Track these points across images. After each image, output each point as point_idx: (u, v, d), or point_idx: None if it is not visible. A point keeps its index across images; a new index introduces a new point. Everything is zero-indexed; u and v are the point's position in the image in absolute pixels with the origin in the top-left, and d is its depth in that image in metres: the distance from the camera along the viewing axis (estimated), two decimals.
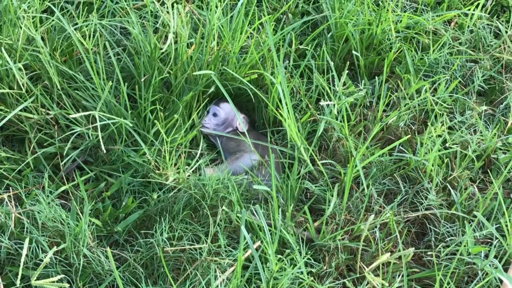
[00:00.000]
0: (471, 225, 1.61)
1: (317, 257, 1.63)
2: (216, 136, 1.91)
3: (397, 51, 2.08)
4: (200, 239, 1.59)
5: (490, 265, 1.54)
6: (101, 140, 1.57)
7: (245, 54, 1.97)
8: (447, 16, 2.19)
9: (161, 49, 1.78)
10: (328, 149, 1.88)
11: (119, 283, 1.27)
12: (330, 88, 1.94)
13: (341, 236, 1.64)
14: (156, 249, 1.56)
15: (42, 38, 1.86)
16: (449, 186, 1.76)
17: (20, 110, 1.75)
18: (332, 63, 1.90)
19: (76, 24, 1.90)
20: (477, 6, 2.21)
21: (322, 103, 1.81)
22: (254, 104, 1.97)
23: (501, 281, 1.54)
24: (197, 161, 1.78)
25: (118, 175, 1.75)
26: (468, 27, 2.20)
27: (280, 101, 1.80)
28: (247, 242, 1.39)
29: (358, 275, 1.60)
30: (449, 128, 1.96)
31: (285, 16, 2.18)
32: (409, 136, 1.78)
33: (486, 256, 1.58)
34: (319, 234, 1.64)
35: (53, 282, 1.29)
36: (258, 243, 1.53)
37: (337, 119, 1.85)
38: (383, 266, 1.60)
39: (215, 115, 1.91)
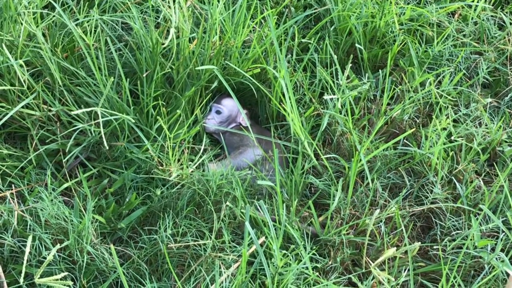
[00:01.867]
0: (477, 219, 1.60)
1: (322, 252, 1.62)
2: (219, 132, 1.90)
3: (400, 43, 2.07)
4: (204, 235, 1.59)
5: (496, 258, 1.53)
6: (103, 136, 1.56)
7: (248, 48, 1.96)
8: (451, 8, 2.17)
9: (163, 44, 1.77)
10: (332, 143, 1.87)
11: (123, 280, 1.26)
12: (333, 81, 1.92)
13: (346, 230, 1.63)
14: (160, 246, 1.55)
15: (43, 34, 1.85)
16: (454, 180, 1.75)
17: (22, 107, 1.74)
18: (335, 57, 1.89)
19: (77, 19, 1.89)
20: None
21: (326, 97, 1.80)
22: (257, 98, 1.96)
23: (508, 275, 1.53)
24: (200, 156, 1.77)
25: (121, 171, 1.74)
26: (472, 18, 2.19)
27: (283, 95, 1.79)
28: (251, 238, 1.38)
29: (364, 270, 1.59)
30: (454, 121, 1.95)
31: (287, 9, 2.17)
32: (413, 129, 1.77)
33: (493, 249, 1.57)
34: (324, 229, 1.63)
35: (57, 279, 1.28)
36: (263, 238, 1.52)
37: (341, 113, 1.84)
38: (388, 261, 1.60)
39: (218, 112, 1.90)
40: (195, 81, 1.83)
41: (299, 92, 1.95)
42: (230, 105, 1.91)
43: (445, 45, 2.06)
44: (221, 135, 1.90)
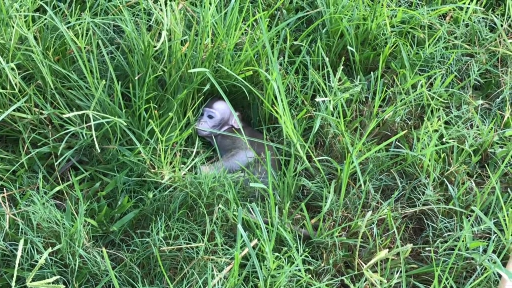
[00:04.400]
0: (469, 220, 1.61)
1: (314, 254, 1.62)
2: (212, 135, 1.90)
3: (392, 46, 2.07)
4: (196, 237, 1.58)
5: (488, 260, 1.54)
6: (95, 139, 1.55)
7: (240, 51, 1.96)
8: (442, 10, 2.18)
9: (155, 47, 1.77)
10: (324, 146, 1.88)
11: (115, 283, 1.26)
12: (325, 84, 1.93)
13: (339, 232, 1.63)
14: (152, 249, 1.55)
15: (35, 37, 1.85)
16: (446, 181, 1.75)
17: (13, 110, 1.74)
18: (327, 59, 1.89)
19: (69, 22, 1.88)
20: (472, 0, 2.20)
21: (318, 99, 1.80)
22: (249, 101, 1.96)
23: (500, 276, 1.53)
24: (192, 159, 1.77)
25: (113, 174, 1.74)
26: (463, 21, 2.19)
27: (276, 97, 1.79)
28: (244, 240, 1.38)
29: (356, 272, 1.59)
30: (446, 122, 1.95)
31: (279, 12, 2.17)
32: (405, 131, 1.77)
33: (485, 251, 1.57)
34: (316, 231, 1.63)
35: (49, 283, 1.27)
36: (255, 241, 1.52)
37: (333, 115, 1.84)
38: (381, 262, 1.60)
39: (210, 117, 1.90)
40: (187, 84, 1.83)
41: (291, 94, 1.95)
42: (221, 108, 1.91)
43: (436, 47, 2.06)
44: (213, 137, 1.90)
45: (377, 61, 2.08)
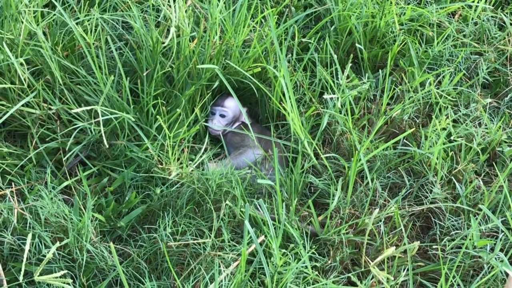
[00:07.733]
0: (476, 219, 1.60)
1: (321, 252, 1.62)
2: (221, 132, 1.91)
3: (401, 43, 2.07)
4: (203, 233, 1.59)
5: (496, 258, 1.53)
6: (103, 135, 1.56)
7: (248, 47, 1.96)
8: (451, 8, 2.17)
9: (163, 43, 1.77)
10: (332, 143, 1.87)
11: (123, 278, 1.26)
12: (333, 81, 1.92)
13: (346, 230, 1.63)
14: (159, 244, 1.55)
15: (44, 33, 1.85)
16: (454, 179, 1.75)
17: (22, 105, 1.74)
18: (335, 56, 1.89)
19: (78, 18, 1.89)
20: None
21: (326, 96, 1.80)
22: (257, 97, 1.96)
23: (507, 275, 1.53)
24: (200, 156, 1.77)
25: (121, 170, 1.74)
26: (472, 19, 2.19)
27: (284, 94, 1.79)
28: (251, 237, 1.38)
29: (363, 269, 1.59)
30: (454, 121, 1.95)
31: (287, 9, 2.17)
32: (413, 129, 1.78)
33: (492, 249, 1.57)
34: (323, 228, 1.63)
35: (56, 278, 1.28)
36: (262, 237, 1.52)
37: (340, 113, 1.84)
38: (388, 260, 1.60)
39: (222, 116, 1.91)
40: (195, 80, 1.83)
41: (299, 91, 1.95)
42: (232, 106, 1.91)
43: (445, 45, 2.06)
44: (221, 135, 1.90)
45: (385, 58, 2.08)
